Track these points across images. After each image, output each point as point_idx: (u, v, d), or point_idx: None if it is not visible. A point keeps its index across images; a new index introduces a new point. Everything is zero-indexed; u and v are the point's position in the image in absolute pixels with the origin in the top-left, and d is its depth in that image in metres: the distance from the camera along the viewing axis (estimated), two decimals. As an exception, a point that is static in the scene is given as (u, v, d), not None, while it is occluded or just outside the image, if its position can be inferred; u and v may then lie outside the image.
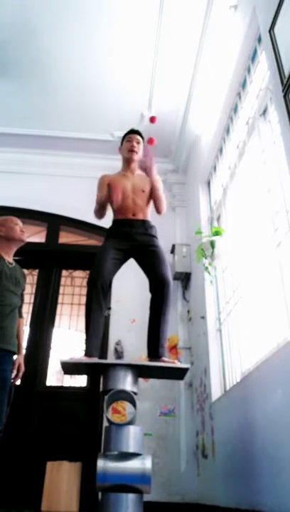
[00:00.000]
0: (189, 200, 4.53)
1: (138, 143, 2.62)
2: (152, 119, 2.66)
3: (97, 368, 2.19)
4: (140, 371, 2.13)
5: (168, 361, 2.20)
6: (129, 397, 1.94)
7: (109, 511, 1.70)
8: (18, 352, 2.56)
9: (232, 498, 2.38)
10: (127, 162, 2.63)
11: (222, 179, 3.51)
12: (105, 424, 3.47)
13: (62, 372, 2.27)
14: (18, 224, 2.63)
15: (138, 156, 2.61)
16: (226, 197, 3.40)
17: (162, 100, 4.03)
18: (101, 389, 2.11)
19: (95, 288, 2.26)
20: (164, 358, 2.21)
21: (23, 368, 2.56)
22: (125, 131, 2.74)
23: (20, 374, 2.55)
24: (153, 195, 2.54)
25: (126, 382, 2.01)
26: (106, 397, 1.94)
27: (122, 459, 1.78)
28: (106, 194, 2.45)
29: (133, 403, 1.92)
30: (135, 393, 2.03)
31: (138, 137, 2.64)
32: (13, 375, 2.50)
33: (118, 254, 2.38)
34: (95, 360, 2.17)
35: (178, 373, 2.25)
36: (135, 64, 3.74)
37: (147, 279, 2.38)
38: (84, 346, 2.22)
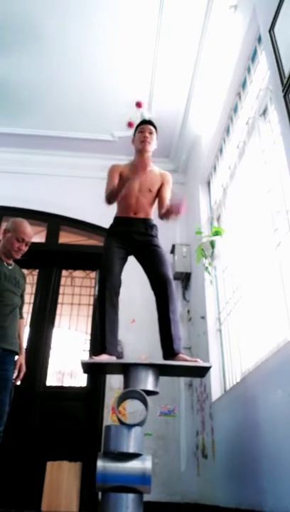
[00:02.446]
0: (189, 200, 4.52)
1: (150, 133, 2.55)
2: (138, 104, 2.60)
3: (117, 368, 2.16)
4: (161, 370, 2.09)
5: (189, 359, 2.16)
6: (140, 397, 1.92)
7: (109, 511, 1.70)
8: (19, 352, 2.56)
9: (232, 498, 2.38)
10: (140, 153, 2.56)
11: (222, 179, 3.51)
12: (105, 424, 3.49)
13: (82, 371, 2.23)
14: (19, 241, 2.56)
15: (151, 147, 2.56)
16: (226, 197, 3.40)
17: (162, 100, 4.03)
18: (122, 388, 2.07)
19: (108, 289, 2.25)
20: (182, 356, 2.15)
21: (24, 369, 2.56)
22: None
23: (22, 374, 2.55)
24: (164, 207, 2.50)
25: (147, 381, 1.99)
26: (117, 396, 1.92)
27: (122, 459, 1.78)
28: (117, 187, 2.40)
29: (145, 403, 1.89)
30: (156, 392, 2.01)
31: (151, 127, 2.58)
32: (15, 375, 2.50)
33: (121, 252, 2.38)
34: (117, 360, 2.15)
35: (199, 371, 2.21)
36: (135, 64, 3.73)
37: (148, 278, 2.38)
38: (101, 345, 2.18)
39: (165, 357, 2.18)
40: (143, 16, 3.33)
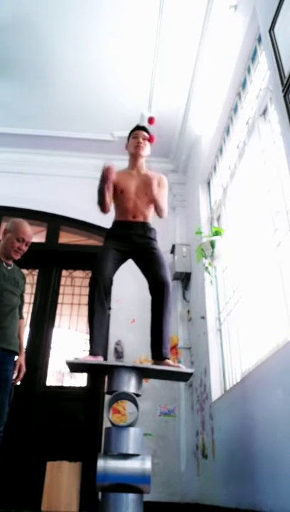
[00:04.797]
0: (189, 200, 4.53)
1: (144, 139, 2.62)
2: (150, 120, 2.67)
3: (102, 369, 2.21)
4: (144, 373, 2.14)
5: (172, 365, 2.21)
6: (131, 399, 1.96)
7: (109, 511, 1.71)
8: (19, 352, 2.57)
9: (232, 498, 2.38)
10: (134, 158, 2.62)
11: (222, 179, 3.51)
12: (105, 424, 3.49)
13: (68, 370, 2.29)
14: (20, 241, 2.57)
15: (144, 152, 2.61)
16: (226, 197, 3.40)
17: (162, 100, 4.03)
18: (105, 389, 2.12)
19: (97, 288, 2.27)
20: (168, 361, 2.21)
21: (24, 369, 2.56)
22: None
23: (22, 375, 2.55)
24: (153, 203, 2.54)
25: (130, 384, 2.02)
26: (108, 399, 1.96)
27: (122, 458, 1.78)
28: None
29: (136, 405, 1.93)
30: (138, 395, 2.04)
31: (145, 133, 2.64)
32: (14, 375, 2.50)
33: (117, 255, 2.40)
34: (100, 361, 2.18)
35: (182, 376, 2.29)
36: (135, 64, 3.73)
37: (146, 281, 2.39)
38: (89, 346, 2.23)
39: (154, 359, 2.24)
40: (143, 16, 3.33)
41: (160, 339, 2.24)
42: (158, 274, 2.33)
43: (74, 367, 2.23)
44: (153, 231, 2.51)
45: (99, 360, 2.18)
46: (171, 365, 2.20)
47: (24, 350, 2.65)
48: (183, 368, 2.22)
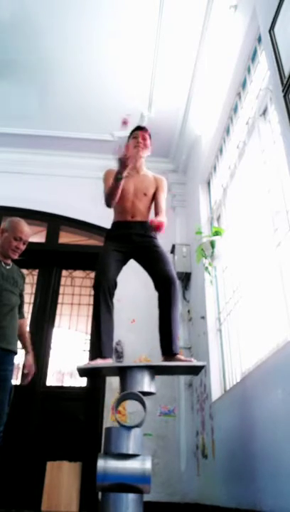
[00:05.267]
0: (189, 200, 4.53)
1: (144, 139, 2.61)
2: (124, 122, 2.68)
3: (113, 371, 2.21)
4: (156, 370, 2.16)
5: (184, 359, 2.23)
6: (138, 399, 1.95)
7: (109, 511, 1.71)
8: (27, 352, 2.57)
9: (232, 498, 2.38)
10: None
11: (222, 179, 3.51)
12: (105, 424, 3.49)
13: (78, 375, 2.30)
14: (17, 240, 2.56)
15: (144, 153, 2.61)
16: (226, 197, 3.40)
17: (162, 100, 4.03)
18: (119, 391, 2.13)
19: (102, 291, 2.27)
20: (179, 356, 2.22)
21: (33, 368, 2.56)
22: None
23: (30, 376, 2.55)
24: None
25: (143, 383, 2.03)
26: (108, 399, 1.97)
27: (122, 459, 1.78)
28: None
29: (143, 405, 1.92)
30: (153, 393, 2.06)
31: (145, 133, 2.64)
32: (22, 374, 2.51)
33: (119, 255, 2.39)
34: (113, 363, 2.20)
35: (193, 370, 2.31)
36: (135, 64, 3.73)
37: (151, 278, 2.38)
38: (97, 349, 2.23)
39: (164, 355, 2.24)
40: (143, 16, 3.33)
41: (170, 335, 2.24)
42: (164, 270, 2.33)
43: (85, 371, 2.23)
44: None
45: (109, 362, 2.18)
46: (183, 359, 2.22)
47: (32, 349, 2.65)
48: (195, 362, 2.23)
